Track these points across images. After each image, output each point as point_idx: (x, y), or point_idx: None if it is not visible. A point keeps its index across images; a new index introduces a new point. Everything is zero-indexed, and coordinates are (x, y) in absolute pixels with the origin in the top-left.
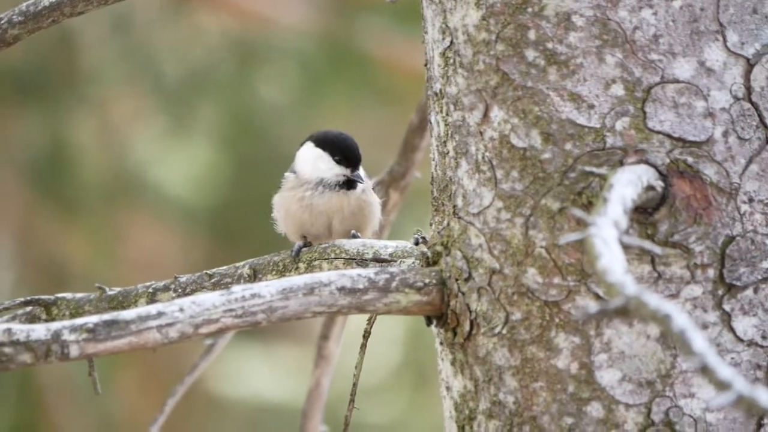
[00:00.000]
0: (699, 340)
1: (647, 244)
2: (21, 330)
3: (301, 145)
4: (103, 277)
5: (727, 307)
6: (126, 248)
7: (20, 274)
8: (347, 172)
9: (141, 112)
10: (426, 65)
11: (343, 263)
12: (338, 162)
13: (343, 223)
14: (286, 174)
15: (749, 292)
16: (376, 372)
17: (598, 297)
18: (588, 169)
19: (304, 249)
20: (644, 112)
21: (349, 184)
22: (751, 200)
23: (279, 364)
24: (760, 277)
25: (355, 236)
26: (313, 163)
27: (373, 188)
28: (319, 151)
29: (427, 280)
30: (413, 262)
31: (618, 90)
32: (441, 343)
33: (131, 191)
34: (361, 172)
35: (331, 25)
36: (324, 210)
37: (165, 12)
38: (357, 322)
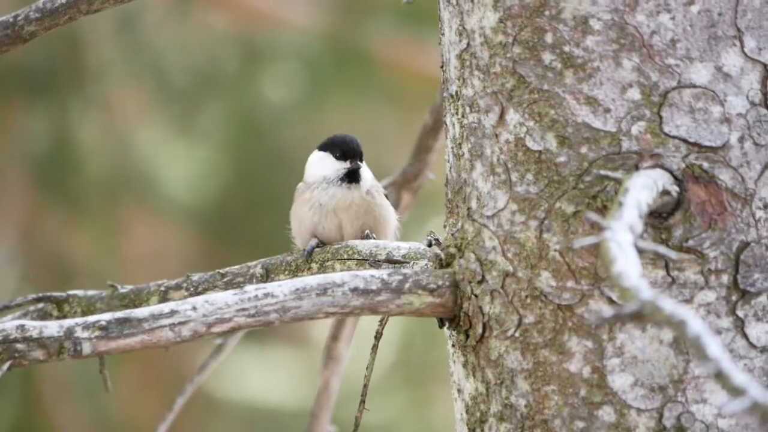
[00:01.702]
0: (714, 346)
1: (662, 249)
2: (34, 326)
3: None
4: (107, 273)
5: (740, 313)
6: (129, 245)
7: (25, 270)
8: (347, 165)
9: (146, 111)
10: (442, 67)
11: (356, 264)
12: (338, 158)
13: (353, 225)
14: (298, 185)
15: (763, 298)
16: (379, 372)
17: (611, 301)
18: (603, 173)
19: (317, 249)
20: (660, 117)
21: (351, 176)
22: (766, 206)
23: (279, 365)
24: None
25: (368, 237)
26: (317, 165)
27: (385, 195)
28: (322, 153)
29: (440, 282)
30: (426, 264)
31: (634, 94)
32: (453, 346)
33: (135, 188)
34: (368, 173)
35: (338, 25)
36: (332, 208)
37: (171, 11)
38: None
